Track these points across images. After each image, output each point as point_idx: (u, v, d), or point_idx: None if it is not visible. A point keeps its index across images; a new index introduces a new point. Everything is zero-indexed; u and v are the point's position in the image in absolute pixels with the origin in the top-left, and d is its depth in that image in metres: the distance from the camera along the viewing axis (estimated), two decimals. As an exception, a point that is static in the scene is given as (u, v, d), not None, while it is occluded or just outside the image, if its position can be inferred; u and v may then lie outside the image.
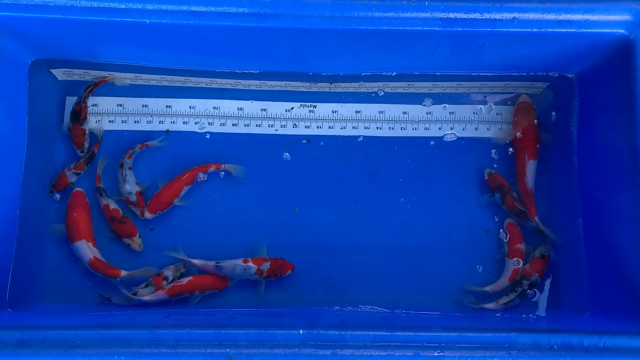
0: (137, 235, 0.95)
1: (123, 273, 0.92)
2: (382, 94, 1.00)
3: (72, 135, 0.97)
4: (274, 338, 0.76)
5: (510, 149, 0.99)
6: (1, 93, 0.89)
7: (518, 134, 0.98)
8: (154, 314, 0.90)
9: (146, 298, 0.91)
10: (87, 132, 0.97)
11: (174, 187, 0.95)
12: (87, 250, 0.92)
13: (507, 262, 0.96)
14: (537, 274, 0.94)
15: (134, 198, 0.96)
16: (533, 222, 0.96)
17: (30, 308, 0.91)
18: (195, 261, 0.93)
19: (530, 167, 0.97)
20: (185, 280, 0.92)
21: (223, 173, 0.98)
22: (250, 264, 0.92)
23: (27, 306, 0.91)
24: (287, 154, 0.99)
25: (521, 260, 0.95)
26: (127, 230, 0.95)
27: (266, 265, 0.92)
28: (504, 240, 0.97)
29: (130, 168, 0.96)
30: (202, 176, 0.97)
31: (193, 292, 0.92)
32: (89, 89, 0.96)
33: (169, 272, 0.93)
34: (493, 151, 1.00)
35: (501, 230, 0.97)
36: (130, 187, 0.96)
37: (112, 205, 0.95)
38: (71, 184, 0.96)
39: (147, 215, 0.95)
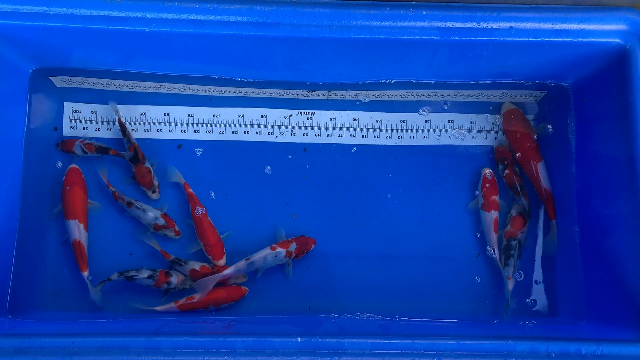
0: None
1: (86, 273, 0.92)
2: (367, 100, 1.00)
3: (137, 176, 0.95)
4: (271, 346, 0.76)
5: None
6: (1, 100, 0.89)
7: (515, 145, 0.99)
8: (152, 322, 0.90)
9: (158, 308, 0.91)
10: (152, 169, 0.96)
11: (209, 226, 0.94)
12: (76, 230, 0.93)
13: (483, 214, 0.97)
14: (521, 232, 0.96)
15: (161, 221, 0.94)
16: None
17: (30, 315, 0.91)
18: (226, 272, 0.92)
19: (541, 169, 0.98)
20: (197, 296, 0.92)
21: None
22: (279, 249, 0.93)
23: (27, 313, 0.91)
24: (268, 167, 0.99)
25: (496, 212, 0.96)
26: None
27: (293, 246, 0.94)
28: (480, 189, 0.97)
29: (135, 200, 0.95)
30: (200, 211, 0.96)
31: (207, 307, 0.93)
32: (122, 129, 0.96)
33: (175, 279, 0.92)
34: (489, 168, 1.00)
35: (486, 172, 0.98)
36: (152, 212, 0.94)
37: (197, 266, 0.94)
38: (73, 153, 0.96)
39: (222, 262, 0.94)
